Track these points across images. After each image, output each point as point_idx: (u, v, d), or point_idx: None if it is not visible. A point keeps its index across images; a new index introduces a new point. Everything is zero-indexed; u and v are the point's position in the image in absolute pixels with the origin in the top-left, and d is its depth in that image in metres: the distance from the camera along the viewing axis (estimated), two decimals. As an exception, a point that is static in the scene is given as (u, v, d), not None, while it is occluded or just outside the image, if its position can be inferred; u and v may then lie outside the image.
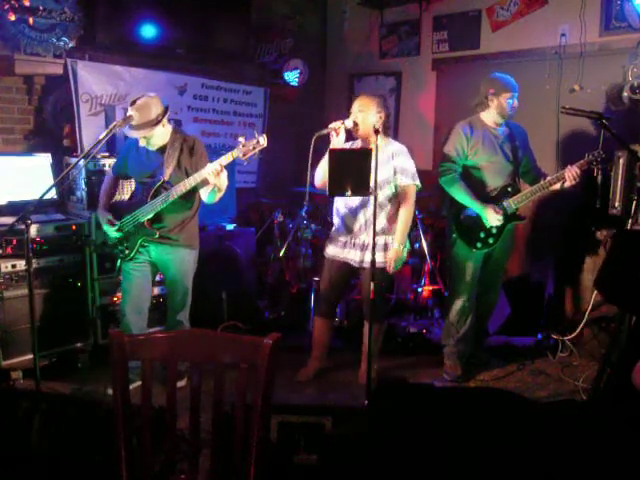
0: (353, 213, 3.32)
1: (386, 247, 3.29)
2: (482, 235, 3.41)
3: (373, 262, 2.92)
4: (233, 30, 4.82)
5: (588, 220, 3.76)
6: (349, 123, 3.17)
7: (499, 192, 3.41)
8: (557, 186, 3.29)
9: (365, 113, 3.20)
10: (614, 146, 3.52)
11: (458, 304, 3.55)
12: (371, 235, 3.21)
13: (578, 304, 3.85)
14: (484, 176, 3.44)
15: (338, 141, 3.13)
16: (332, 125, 3.11)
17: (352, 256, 3.34)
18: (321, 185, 3.30)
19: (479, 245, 3.42)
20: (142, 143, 3.09)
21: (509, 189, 3.41)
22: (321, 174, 3.25)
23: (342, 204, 3.37)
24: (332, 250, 3.42)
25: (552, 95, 4.39)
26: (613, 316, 3.49)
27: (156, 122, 3.00)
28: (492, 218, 3.32)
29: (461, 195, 3.39)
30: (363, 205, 3.28)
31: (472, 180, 3.44)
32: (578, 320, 3.74)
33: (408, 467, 1.79)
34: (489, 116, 3.44)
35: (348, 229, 3.34)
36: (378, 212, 3.18)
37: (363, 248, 3.30)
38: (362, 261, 3.31)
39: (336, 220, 3.43)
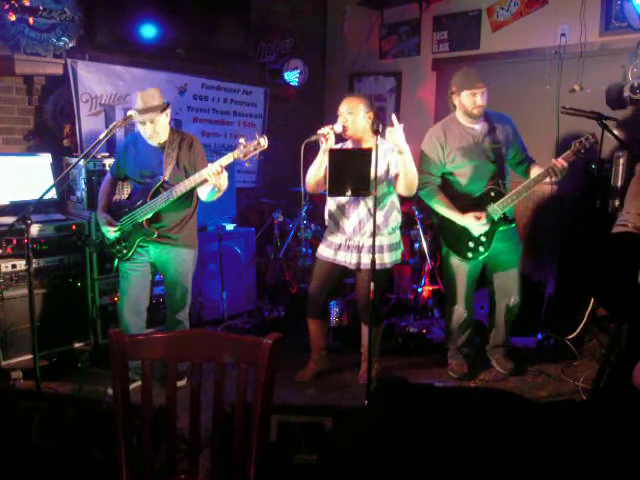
0: (346, 214, 3.27)
1: (381, 249, 3.24)
2: (471, 245, 3.31)
3: (373, 262, 2.91)
4: (233, 30, 4.82)
5: (588, 220, 3.76)
6: (338, 128, 3.09)
7: (482, 197, 3.27)
8: (547, 180, 3.12)
9: (354, 115, 3.14)
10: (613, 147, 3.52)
11: (456, 313, 3.53)
12: (366, 237, 3.23)
13: (578, 304, 3.84)
14: (464, 182, 3.31)
15: (328, 147, 3.04)
16: (321, 131, 3.03)
17: (348, 259, 3.30)
18: (312, 189, 3.27)
19: (470, 255, 3.32)
20: (148, 132, 3.05)
21: (492, 193, 3.24)
22: (312, 178, 3.21)
23: (334, 205, 3.32)
24: (324, 251, 3.38)
25: (552, 95, 4.39)
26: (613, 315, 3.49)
27: (163, 109, 3.02)
28: (474, 227, 3.24)
29: (441, 208, 3.31)
30: (356, 206, 3.24)
31: (453, 187, 3.34)
32: (578, 320, 3.74)
33: (408, 467, 1.79)
34: (460, 115, 3.29)
35: (342, 231, 3.30)
36: (364, 212, 3.23)
37: (359, 250, 3.27)
38: (359, 263, 3.28)
39: (329, 221, 3.39)
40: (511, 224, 3.35)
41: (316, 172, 3.19)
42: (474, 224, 3.23)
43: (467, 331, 3.57)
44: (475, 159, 3.25)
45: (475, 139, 3.27)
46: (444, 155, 3.30)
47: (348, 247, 3.30)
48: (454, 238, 3.35)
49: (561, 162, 3.01)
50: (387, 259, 3.28)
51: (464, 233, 3.29)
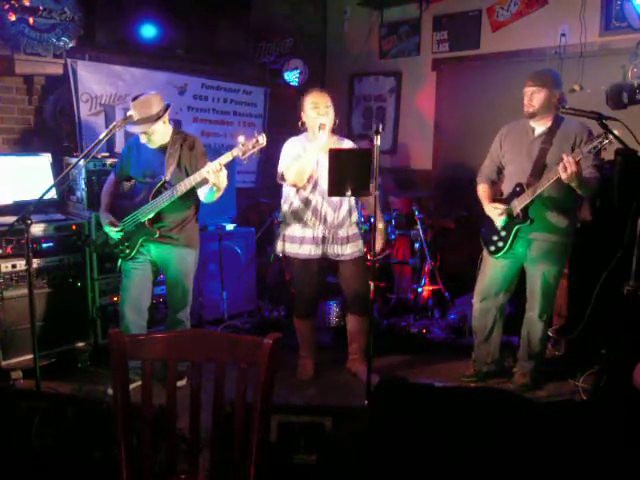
0: (335, 207, 3.34)
1: (358, 237, 3.46)
2: (494, 238, 3.33)
3: (374, 262, 2.92)
4: (233, 30, 4.82)
5: (589, 219, 3.76)
6: (326, 121, 3.18)
7: (511, 192, 3.28)
8: (563, 177, 2.90)
9: (329, 110, 3.25)
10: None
11: (474, 307, 3.53)
12: (350, 228, 3.41)
13: (578, 303, 3.84)
14: (507, 176, 3.36)
15: (326, 135, 3.14)
16: (320, 120, 3.14)
17: (334, 250, 3.38)
18: (294, 182, 3.25)
19: (492, 249, 3.34)
20: (143, 140, 3.10)
21: (517, 189, 3.23)
22: (301, 169, 3.20)
23: (319, 197, 3.32)
24: (307, 249, 3.37)
25: (552, 95, 4.38)
26: (613, 316, 3.49)
27: (157, 118, 3.01)
28: (493, 216, 3.29)
29: (479, 194, 3.42)
30: (343, 200, 3.36)
31: (504, 180, 3.40)
32: (578, 320, 3.74)
33: (408, 467, 1.79)
34: None
35: (327, 224, 3.35)
36: (354, 206, 3.42)
37: (344, 241, 3.38)
38: (344, 254, 3.39)
39: (308, 216, 3.34)
40: (523, 222, 3.20)
41: (305, 165, 3.20)
42: (493, 212, 3.28)
43: (486, 328, 3.48)
44: (519, 155, 3.26)
45: (529, 138, 3.24)
46: (502, 149, 3.36)
47: (333, 239, 3.37)
48: (486, 229, 3.40)
49: (569, 158, 2.88)
50: (362, 246, 3.49)
51: (493, 226, 3.33)
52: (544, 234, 3.23)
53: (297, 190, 3.33)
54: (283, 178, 3.32)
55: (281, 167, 3.34)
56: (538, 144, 3.20)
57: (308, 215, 3.34)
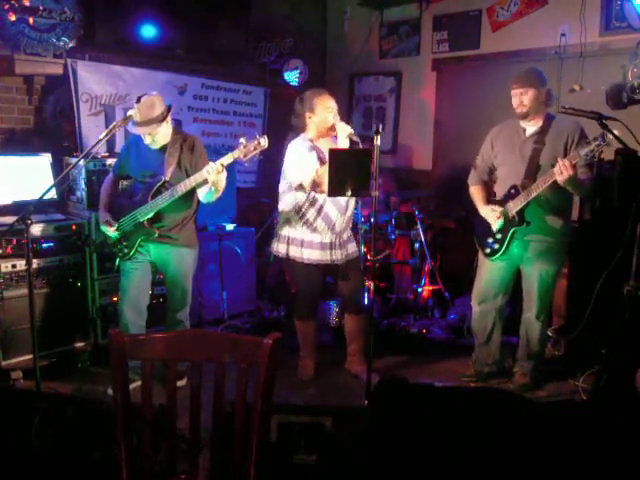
0: (342, 212, 3.36)
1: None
2: (490, 240, 3.31)
3: (374, 262, 2.93)
4: (233, 30, 4.82)
5: (589, 219, 3.75)
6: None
7: (505, 194, 3.26)
8: (559, 180, 2.90)
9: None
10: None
11: (473, 310, 3.53)
12: (348, 231, 3.48)
13: (578, 303, 3.84)
14: (501, 178, 3.33)
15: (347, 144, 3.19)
16: (350, 131, 3.18)
17: (338, 255, 3.40)
18: (312, 185, 3.23)
19: (487, 251, 3.33)
20: (147, 141, 3.10)
21: (512, 191, 3.21)
22: (320, 179, 3.14)
23: (331, 205, 3.31)
24: (316, 255, 3.34)
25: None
26: (613, 316, 3.49)
27: (162, 118, 3.02)
28: (490, 218, 3.25)
29: (473, 196, 3.40)
30: (348, 204, 3.39)
31: (497, 182, 3.38)
32: (578, 320, 3.74)
33: (408, 467, 1.79)
34: None
35: (333, 229, 3.35)
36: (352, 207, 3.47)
37: (346, 244, 3.45)
38: (347, 255, 3.44)
39: (319, 222, 3.31)
40: (520, 225, 3.18)
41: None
42: (491, 216, 3.24)
43: (485, 330, 3.48)
44: (511, 156, 3.24)
45: (521, 138, 3.22)
46: (493, 151, 3.35)
47: (339, 244, 3.41)
48: (480, 232, 3.39)
49: (565, 161, 2.87)
50: (357, 247, 3.62)
51: (488, 228, 3.30)
52: (540, 236, 3.22)
53: (308, 195, 3.29)
54: (302, 187, 3.24)
55: (299, 176, 3.23)
56: (530, 144, 3.18)
57: (319, 221, 3.32)
